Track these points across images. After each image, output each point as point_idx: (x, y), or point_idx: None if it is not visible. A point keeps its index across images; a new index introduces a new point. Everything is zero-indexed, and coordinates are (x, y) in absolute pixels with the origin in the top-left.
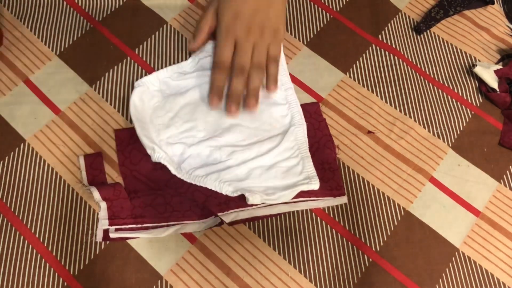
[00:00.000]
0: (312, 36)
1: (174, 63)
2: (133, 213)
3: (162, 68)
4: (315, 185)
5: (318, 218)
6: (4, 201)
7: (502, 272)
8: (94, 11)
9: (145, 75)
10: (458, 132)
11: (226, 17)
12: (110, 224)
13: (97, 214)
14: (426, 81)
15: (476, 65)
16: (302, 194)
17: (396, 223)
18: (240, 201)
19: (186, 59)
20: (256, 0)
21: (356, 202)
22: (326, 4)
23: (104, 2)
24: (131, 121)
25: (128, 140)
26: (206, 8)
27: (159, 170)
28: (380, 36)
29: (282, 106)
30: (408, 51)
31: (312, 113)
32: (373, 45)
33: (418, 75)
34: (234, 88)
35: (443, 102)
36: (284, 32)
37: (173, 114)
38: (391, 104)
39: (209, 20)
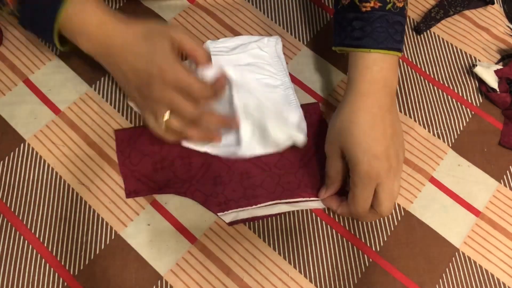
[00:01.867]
0: (312, 36)
1: None
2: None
3: None
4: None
5: (318, 218)
6: (4, 201)
7: (502, 272)
8: None
9: None
10: (458, 132)
11: (365, 160)
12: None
13: (97, 214)
14: (426, 81)
15: (476, 65)
16: (302, 194)
17: (396, 223)
18: (240, 201)
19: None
20: (384, 130)
21: None
22: (326, 4)
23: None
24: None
25: (128, 140)
26: (328, 150)
27: (160, 171)
28: None
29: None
30: (408, 51)
31: (312, 113)
32: None
33: (418, 75)
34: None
35: (443, 102)
36: None
37: None
38: None
39: (337, 166)
